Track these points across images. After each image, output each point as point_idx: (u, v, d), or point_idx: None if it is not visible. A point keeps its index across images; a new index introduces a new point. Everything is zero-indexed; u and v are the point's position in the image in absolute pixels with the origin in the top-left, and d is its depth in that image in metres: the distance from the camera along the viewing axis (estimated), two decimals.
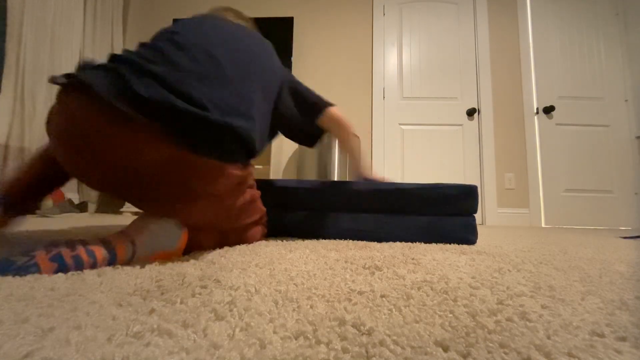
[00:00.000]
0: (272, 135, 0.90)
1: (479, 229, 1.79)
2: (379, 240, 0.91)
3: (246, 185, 0.72)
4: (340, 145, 1.01)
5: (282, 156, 2.54)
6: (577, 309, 0.33)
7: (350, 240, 0.90)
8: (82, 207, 1.88)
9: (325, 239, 0.92)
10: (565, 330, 0.27)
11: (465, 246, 0.85)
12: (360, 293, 0.37)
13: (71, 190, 2.12)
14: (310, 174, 2.12)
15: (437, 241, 0.91)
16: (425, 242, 0.91)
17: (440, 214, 0.94)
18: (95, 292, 0.34)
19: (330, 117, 0.92)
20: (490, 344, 0.24)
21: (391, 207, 0.95)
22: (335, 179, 2.07)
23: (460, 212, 0.94)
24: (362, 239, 0.93)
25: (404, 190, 0.95)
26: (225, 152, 0.60)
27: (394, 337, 0.24)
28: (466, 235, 0.92)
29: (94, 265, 0.46)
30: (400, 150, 2.54)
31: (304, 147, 2.21)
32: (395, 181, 1.01)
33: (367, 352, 0.22)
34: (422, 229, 0.93)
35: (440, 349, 0.23)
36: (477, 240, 1.00)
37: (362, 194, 0.95)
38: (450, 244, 0.90)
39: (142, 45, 0.67)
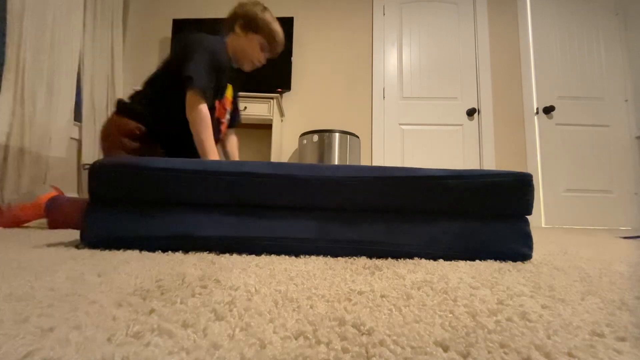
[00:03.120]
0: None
1: None
2: (394, 256, 0.63)
3: None
4: None
5: (282, 156, 2.54)
6: (577, 309, 0.33)
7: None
8: None
9: (307, 254, 0.63)
10: (565, 330, 0.27)
11: None
12: (360, 293, 0.37)
13: (71, 191, 2.12)
14: None
15: (475, 256, 0.64)
16: (459, 259, 0.63)
17: (481, 215, 0.65)
18: (95, 292, 0.34)
19: None
20: (490, 344, 0.24)
21: (405, 205, 0.64)
22: None
23: (510, 213, 0.66)
24: (368, 255, 0.64)
25: (426, 179, 0.63)
26: None
27: (394, 337, 0.24)
28: (518, 246, 0.64)
29: None
30: (400, 150, 2.54)
31: (303, 149, 2.21)
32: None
33: (367, 352, 0.22)
34: (455, 238, 0.64)
35: (440, 349, 0.23)
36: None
37: (362, 185, 0.64)
38: (495, 260, 0.63)
39: None
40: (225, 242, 0.63)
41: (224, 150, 1.36)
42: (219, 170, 0.64)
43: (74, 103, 1.98)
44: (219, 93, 1.12)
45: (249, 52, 1.14)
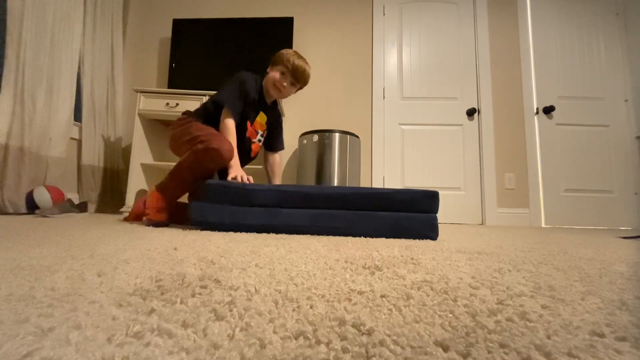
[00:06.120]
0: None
1: (480, 228, 1.79)
2: (353, 235, 1.03)
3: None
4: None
5: (281, 156, 2.54)
6: (577, 309, 0.33)
7: (348, 238, 0.90)
8: (82, 207, 1.88)
9: (305, 234, 1.04)
10: (565, 330, 0.27)
11: (464, 246, 0.85)
12: (360, 293, 0.37)
13: (71, 191, 2.12)
14: (310, 175, 2.12)
15: (401, 237, 1.02)
16: (391, 238, 1.00)
17: (406, 213, 1.05)
18: (95, 292, 0.34)
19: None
20: (490, 344, 0.24)
21: (360, 207, 1.07)
22: (335, 182, 2.08)
23: (423, 212, 1.05)
24: (337, 234, 1.05)
25: (373, 194, 1.07)
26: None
27: (394, 337, 0.24)
28: (428, 232, 1.03)
29: None
30: (400, 150, 2.54)
31: (303, 149, 2.21)
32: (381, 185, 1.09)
33: (367, 352, 0.22)
34: (389, 226, 1.03)
35: (440, 349, 0.23)
36: (439, 237, 1.10)
37: (341, 196, 1.08)
38: (413, 238, 1.01)
39: None
40: (261, 228, 1.05)
41: (265, 171, 1.67)
42: (263, 189, 1.10)
43: (74, 103, 1.98)
44: (250, 116, 1.40)
45: (272, 80, 1.39)
